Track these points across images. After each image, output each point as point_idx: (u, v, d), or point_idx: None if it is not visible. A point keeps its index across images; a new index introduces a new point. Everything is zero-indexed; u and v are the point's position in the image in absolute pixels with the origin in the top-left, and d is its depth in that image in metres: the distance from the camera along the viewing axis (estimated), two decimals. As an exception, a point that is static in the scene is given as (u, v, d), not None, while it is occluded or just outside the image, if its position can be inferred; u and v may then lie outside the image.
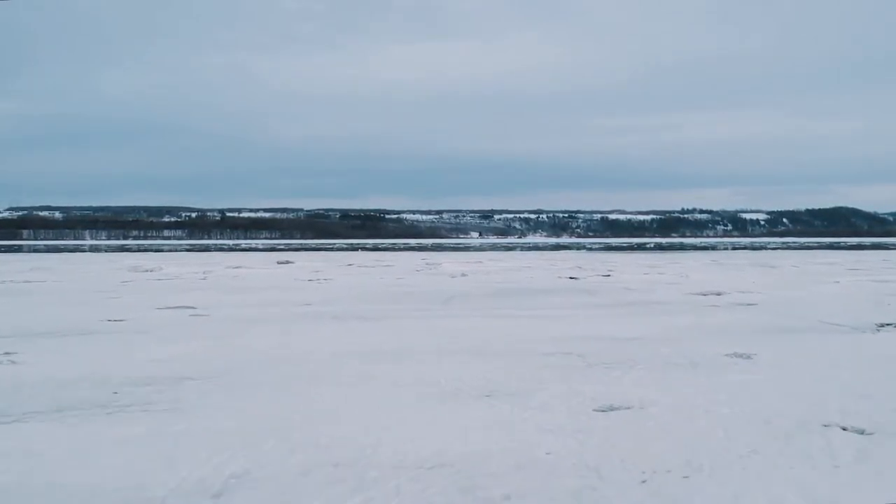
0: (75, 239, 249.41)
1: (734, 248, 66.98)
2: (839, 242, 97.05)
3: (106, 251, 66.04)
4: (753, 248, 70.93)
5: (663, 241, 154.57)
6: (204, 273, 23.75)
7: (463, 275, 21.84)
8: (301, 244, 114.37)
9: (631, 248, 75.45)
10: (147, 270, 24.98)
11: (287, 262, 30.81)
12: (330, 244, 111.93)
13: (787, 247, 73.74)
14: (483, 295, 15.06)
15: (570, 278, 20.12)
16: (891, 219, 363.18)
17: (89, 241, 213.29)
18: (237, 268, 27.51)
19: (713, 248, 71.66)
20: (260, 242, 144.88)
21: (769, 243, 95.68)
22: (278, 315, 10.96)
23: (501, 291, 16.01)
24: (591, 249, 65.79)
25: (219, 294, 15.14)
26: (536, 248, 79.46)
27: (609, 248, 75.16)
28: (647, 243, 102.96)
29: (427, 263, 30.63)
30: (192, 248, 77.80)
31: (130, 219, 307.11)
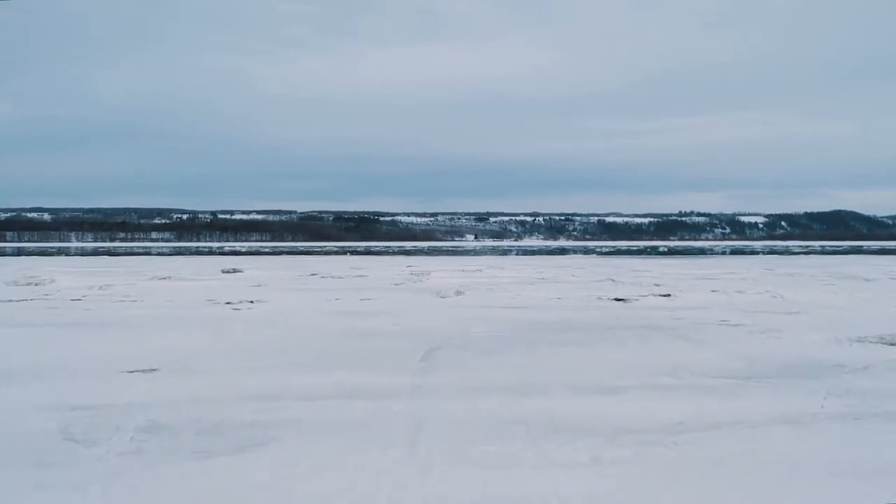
0: (60, 241, 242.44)
1: (764, 253, 60.37)
2: (861, 246, 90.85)
3: (21, 255, 58.86)
4: (782, 252, 64.45)
5: (674, 244, 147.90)
6: (100, 287, 17.11)
7: (458, 293, 15.21)
8: (277, 247, 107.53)
9: (643, 251, 68.81)
10: (28, 284, 18.29)
11: (234, 272, 24.17)
12: (317, 247, 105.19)
13: (820, 251, 67.30)
14: (490, 339, 8.48)
15: (617, 300, 13.52)
16: (890, 222, 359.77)
17: (74, 244, 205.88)
18: (163, 279, 20.89)
19: (742, 252, 64.85)
20: (243, 245, 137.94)
21: (790, 247, 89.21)
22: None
23: (521, 330, 9.42)
24: (601, 253, 59.07)
25: (29, 332, 8.51)
26: (542, 252, 72.71)
27: (619, 251, 68.48)
28: (659, 247, 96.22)
29: (412, 273, 23.99)
30: (146, 252, 70.86)
31: (117, 221, 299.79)
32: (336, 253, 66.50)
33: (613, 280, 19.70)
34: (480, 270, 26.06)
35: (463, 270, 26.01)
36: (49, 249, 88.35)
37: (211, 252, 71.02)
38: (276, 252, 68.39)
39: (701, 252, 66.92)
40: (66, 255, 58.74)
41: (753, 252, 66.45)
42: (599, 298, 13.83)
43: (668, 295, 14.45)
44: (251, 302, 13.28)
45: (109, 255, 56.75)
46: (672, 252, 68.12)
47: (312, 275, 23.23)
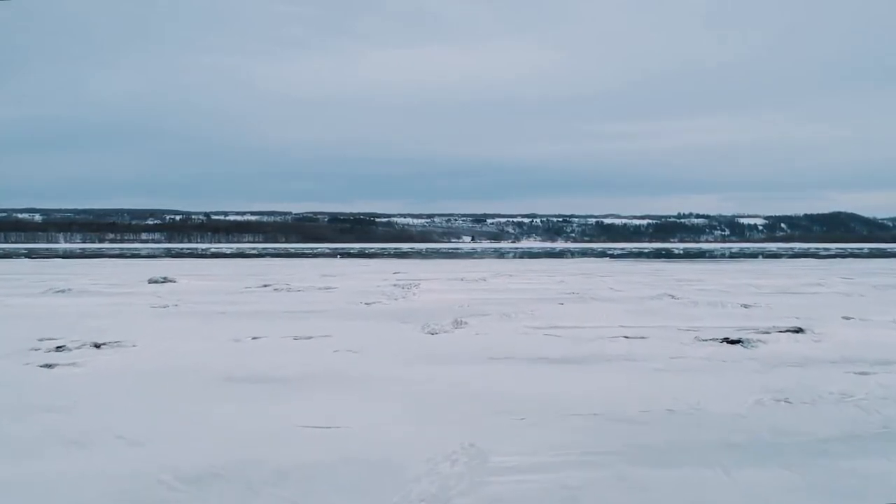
0: (48, 242, 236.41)
1: (788, 256, 54.75)
2: (885, 249, 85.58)
3: None
4: (805, 254, 58.95)
5: (690, 246, 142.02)
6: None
7: (457, 323, 9.55)
8: (266, 249, 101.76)
9: (659, 254, 63.18)
10: None
11: (164, 281, 18.48)
12: (308, 249, 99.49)
13: (868, 254, 61.82)
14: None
15: (730, 343, 7.92)
16: (890, 224, 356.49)
17: (63, 245, 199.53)
18: (59, 292, 15.30)
19: (774, 255, 58.99)
20: (230, 247, 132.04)
21: (821, 250, 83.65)
22: None
23: (613, 457, 3.75)
24: (614, 256, 53.27)
25: None
26: (547, 254, 67.03)
27: (632, 254, 62.76)
28: (673, 249, 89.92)
29: (397, 284, 18.38)
30: (97, 255, 65.05)
31: (107, 222, 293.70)
32: (325, 255, 60.90)
33: (674, 296, 14.08)
34: (484, 279, 20.43)
35: (462, 279, 20.40)
36: None
37: (181, 254, 65.28)
38: (257, 255, 62.68)
39: (722, 255, 61.32)
40: None
41: (773, 255, 61.01)
42: (698, 339, 8.20)
43: (800, 330, 8.83)
44: (98, 347, 7.62)
45: (28, 258, 50.89)
46: (688, 255, 62.51)
47: (264, 286, 17.58)
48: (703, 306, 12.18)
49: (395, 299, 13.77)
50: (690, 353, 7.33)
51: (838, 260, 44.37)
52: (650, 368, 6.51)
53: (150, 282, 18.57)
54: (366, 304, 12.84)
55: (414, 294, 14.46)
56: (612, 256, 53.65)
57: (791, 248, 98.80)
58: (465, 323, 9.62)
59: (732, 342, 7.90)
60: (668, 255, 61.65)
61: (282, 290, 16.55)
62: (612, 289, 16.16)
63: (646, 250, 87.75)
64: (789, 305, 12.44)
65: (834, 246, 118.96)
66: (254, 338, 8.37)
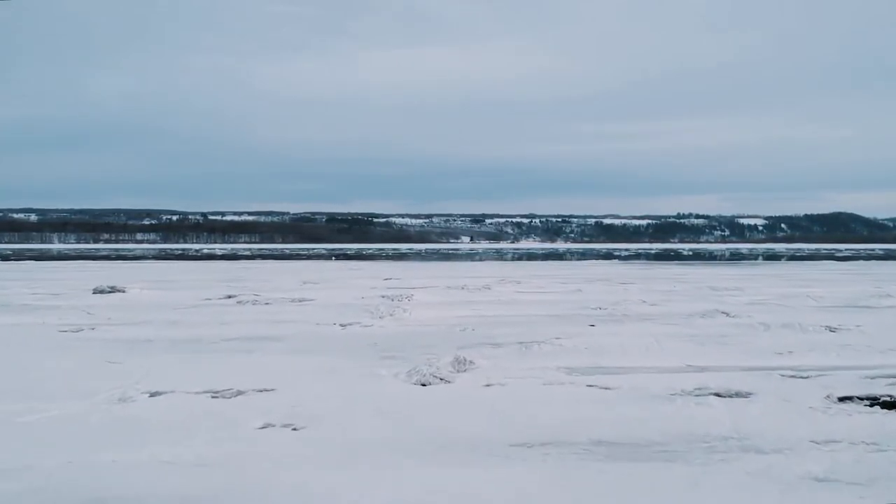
0: (42, 243, 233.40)
1: (807, 258, 51.93)
2: (894, 250, 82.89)
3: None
4: (832, 256, 56.21)
5: (697, 247, 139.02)
6: None
7: (458, 364, 6.71)
8: (261, 250, 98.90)
9: (667, 256, 60.33)
10: None
11: (111, 291, 15.63)
12: (303, 250, 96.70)
13: (883, 256, 59.10)
14: None
15: (885, 406, 5.09)
16: (891, 224, 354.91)
17: (57, 245, 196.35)
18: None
19: (790, 257, 55.99)
20: (223, 247, 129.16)
21: (834, 251, 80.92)
22: None
23: None
24: (621, 258, 50.41)
25: None
26: (549, 255, 64.16)
27: (639, 255, 59.90)
28: (682, 250, 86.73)
29: (386, 295, 15.53)
30: (80, 256, 62.22)
31: (102, 222, 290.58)
32: (319, 257, 58.16)
33: (728, 313, 11.27)
34: (488, 287, 17.61)
35: (463, 287, 17.58)
36: None
37: (168, 256, 62.47)
38: (247, 256, 59.85)
39: (734, 257, 58.49)
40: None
41: (790, 257, 58.31)
42: (830, 398, 5.37)
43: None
44: None
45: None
46: (698, 256, 59.70)
47: (228, 297, 14.75)
48: (777, 330, 9.37)
49: (381, 317, 10.95)
50: (839, 430, 4.52)
51: (861, 262, 41.63)
52: (798, 476, 3.70)
53: (95, 292, 15.73)
54: (341, 325, 10.01)
55: (404, 310, 11.63)
56: (619, 258, 50.76)
57: (800, 249, 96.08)
58: (471, 363, 6.80)
59: (890, 406, 5.08)
60: (677, 256, 58.82)
61: (247, 302, 13.73)
62: (644, 301, 13.33)
63: (652, 251, 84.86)
64: (885, 327, 9.64)
65: (844, 247, 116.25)
66: (152, 394, 5.54)
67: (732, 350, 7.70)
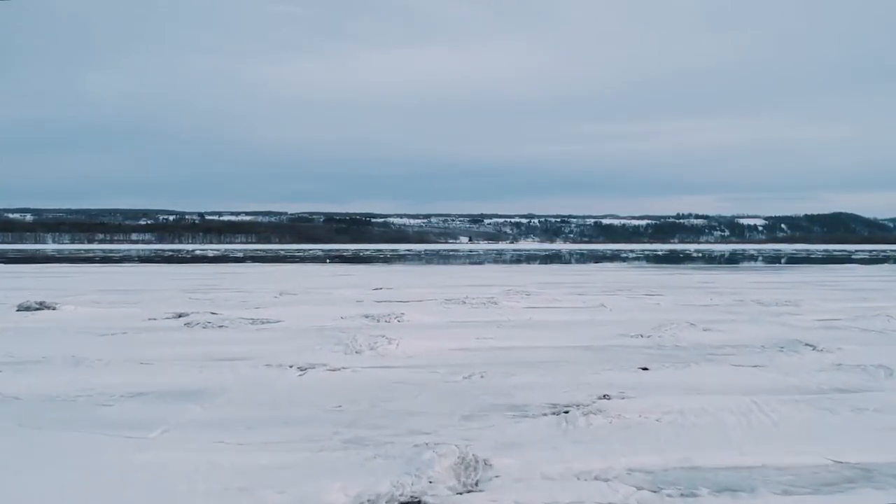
0: (35, 243, 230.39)
1: (826, 261, 49.17)
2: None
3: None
4: (849, 259, 53.53)
5: (703, 247, 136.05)
6: None
7: (467, 470, 4.01)
8: (255, 250, 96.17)
9: (676, 257, 57.52)
10: None
11: (40, 308, 12.91)
12: (299, 251, 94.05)
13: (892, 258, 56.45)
14: None
15: None
16: (891, 225, 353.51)
17: (50, 245, 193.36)
18: None
19: (804, 259, 53.12)
20: (217, 248, 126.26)
21: (850, 253, 78.24)
22: None
23: None
24: (632, 262, 47.53)
25: None
26: (551, 257, 61.38)
27: (647, 257, 57.05)
28: (690, 251, 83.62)
29: (368, 317, 12.78)
30: (60, 259, 59.52)
31: (97, 222, 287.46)
32: (313, 259, 55.57)
33: (814, 346, 8.58)
34: (494, 302, 14.87)
35: (464, 301, 14.87)
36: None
37: (155, 258, 59.77)
38: (236, 259, 57.13)
39: (748, 258, 55.74)
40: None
41: (803, 259, 55.68)
42: None
43: None
44: None
45: None
46: (708, 258, 56.97)
47: (178, 317, 12.03)
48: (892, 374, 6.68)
49: (357, 352, 8.24)
50: None
51: (886, 267, 39.01)
52: None
53: (20, 308, 13.00)
54: (300, 369, 7.28)
55: (389, 340, 8.90)
56: (626, 261, 47.96)
57: (810, 251, 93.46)
58: (486, 465, 4.08)
59: None
60: (686, 258, 56.01)
61: (197, 325, 11.01)
62: (692, 325, 10.59)
63: (658, 252, 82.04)
64: None
65: (850, 247, 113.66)
66: None
67: (875, 422, 5.00)
